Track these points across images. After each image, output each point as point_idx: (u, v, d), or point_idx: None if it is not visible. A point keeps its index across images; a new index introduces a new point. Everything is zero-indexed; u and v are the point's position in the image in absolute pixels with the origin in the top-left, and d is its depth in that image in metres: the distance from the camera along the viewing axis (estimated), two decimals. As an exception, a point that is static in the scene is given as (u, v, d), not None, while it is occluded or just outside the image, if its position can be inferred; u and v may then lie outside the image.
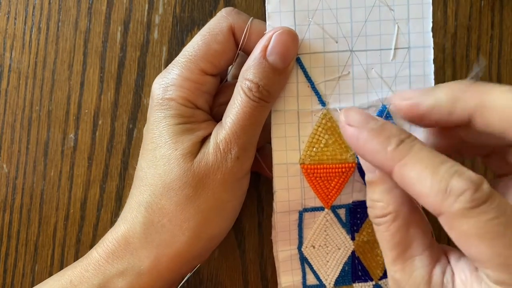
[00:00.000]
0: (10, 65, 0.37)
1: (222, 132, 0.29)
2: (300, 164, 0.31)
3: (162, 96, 0.30)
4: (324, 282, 0.33)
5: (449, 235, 0.23)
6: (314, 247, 0.33)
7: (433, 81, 0.31)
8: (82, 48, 0.37)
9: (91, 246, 0.36)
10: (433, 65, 0.30)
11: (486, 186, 0.22)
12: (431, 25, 0.30)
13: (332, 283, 0.33)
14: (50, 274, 0.37)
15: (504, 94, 0.25)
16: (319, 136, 0.31)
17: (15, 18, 0.37)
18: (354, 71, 0.31)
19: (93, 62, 0.37)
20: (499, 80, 0.37)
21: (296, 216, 0.32)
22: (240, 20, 0.30)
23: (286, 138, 0.31)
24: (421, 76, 0.31)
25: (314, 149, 0.31)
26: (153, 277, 0.29)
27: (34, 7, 0.37)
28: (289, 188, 0.31)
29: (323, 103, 0.31)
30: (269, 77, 0.29)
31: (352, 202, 0.32)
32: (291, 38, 0.29)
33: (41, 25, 0.37)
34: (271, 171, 0.31)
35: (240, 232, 0.37)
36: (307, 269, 0.33)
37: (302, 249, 0.33)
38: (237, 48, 0.31)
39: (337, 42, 0.30)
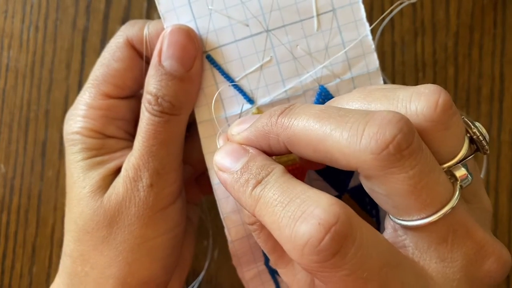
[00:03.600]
0: (7, 64, 0.37)
1: (131, 158, 0.26)
2: None
3: (68, 130, 0.27)
4: None
5: None
6: None
7: (372, 42, 0.26)
8: (80, 47, 0.36)
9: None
10: (367, 24, 0.26)
11: (339, 227, 0.19)
12: None
13: None
14: (48, 275, 0.36)
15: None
16: None
17: (13, 17, 0.37)
18: (276, 54, 0.26)
19: (91, 61, 0.36)
20: (502, 80, 0.37)
21: None
22: (136, 29, 0.27)
23: None
24: (357, 40, 0.26)
25: None
26: None
27: (31, 6, 0.37)
28: (239, 209, 0.27)
29: (250, 100, 0.26)
30: (169, 86, 0.25)
31: None
32: (184, 36, 0.25)
33: (38, 24, 0.37)
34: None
35: (240, 233, 0.37)
36: (280, 279, 0.30)
37: (271, 264, 0.29)
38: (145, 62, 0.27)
39: (248, 25, 0.26)
